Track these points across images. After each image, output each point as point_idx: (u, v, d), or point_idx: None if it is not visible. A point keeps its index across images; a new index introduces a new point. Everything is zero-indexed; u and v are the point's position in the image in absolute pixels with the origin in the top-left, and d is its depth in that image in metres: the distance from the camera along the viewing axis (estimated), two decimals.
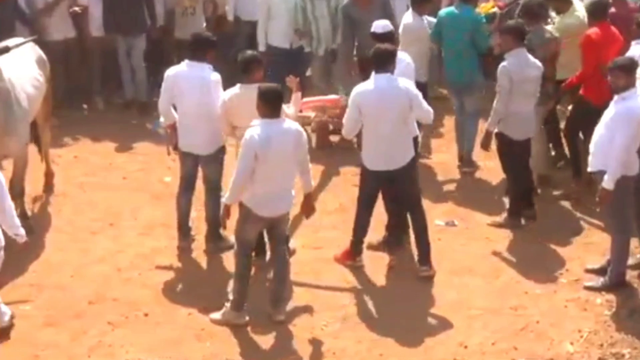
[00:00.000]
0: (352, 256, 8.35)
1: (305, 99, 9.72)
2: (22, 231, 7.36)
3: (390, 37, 8.60)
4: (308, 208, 7.72)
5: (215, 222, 8.57)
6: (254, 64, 8.09)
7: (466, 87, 10.10)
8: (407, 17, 10.24)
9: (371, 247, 8.50)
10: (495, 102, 8.77)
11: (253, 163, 7.21)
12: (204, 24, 11.93)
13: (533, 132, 8.99)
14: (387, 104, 7.84)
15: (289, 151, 7.34)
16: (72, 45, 11.79)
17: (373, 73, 7.93)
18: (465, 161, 10.25)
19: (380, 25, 8.75)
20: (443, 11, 10.25)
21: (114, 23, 11.71)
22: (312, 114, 10.60)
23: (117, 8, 11.64)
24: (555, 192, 9.60)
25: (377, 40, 8.33)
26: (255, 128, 7.24)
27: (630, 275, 8.08)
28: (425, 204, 8.71)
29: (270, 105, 7.32)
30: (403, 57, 8.47)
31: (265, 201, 7.37)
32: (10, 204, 7.27)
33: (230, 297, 7.56)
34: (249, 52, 8.39)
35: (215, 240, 8.61)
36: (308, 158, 7.53)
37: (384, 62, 7.92)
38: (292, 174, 7.48)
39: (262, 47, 11.24)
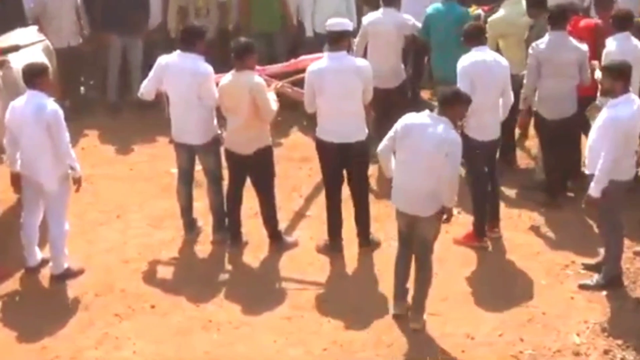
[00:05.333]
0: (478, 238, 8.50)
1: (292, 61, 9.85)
2: (77, 166, 7.78)
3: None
4: (448, 214, 7.35)
5: (219, 212, 8.59)
6: (247, 51, 8.16)
7: (454, 83, 9.99)
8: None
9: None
10: (525, 81, 8.93)
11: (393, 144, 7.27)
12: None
13: (568, 114, 8.97)
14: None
15: (426, 148, 7.06)
16: (75, 53, 11.44)
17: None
18: None
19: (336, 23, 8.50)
20: (430, 8, 10.12)
21: (110, 22, 11.52)
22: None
23: (113, 8, 11.44)
24: None
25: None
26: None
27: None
28: None
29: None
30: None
31: (399, 194, 7.29)
32: (66, 142, 7.74)
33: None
34: (243, 39, 8.45)
35: (220, 230, 8.63)
36: (454, 165, 7.15)
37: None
38: (428, 177, 7.09)
39: (309, 33, 11.46)
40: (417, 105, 11.38)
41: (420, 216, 7.22)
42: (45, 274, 8.09)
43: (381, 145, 7.38)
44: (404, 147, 7.20)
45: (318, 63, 8.25)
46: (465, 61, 8.37)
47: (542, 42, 8.85)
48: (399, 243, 7.52)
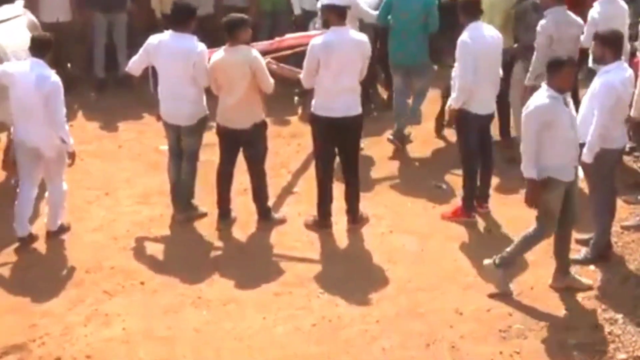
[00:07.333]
0: (466, 213, 8.57)
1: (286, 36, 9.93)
2: (71, 140, 7.91)
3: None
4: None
5: (189, 192, 8.61)
6: (239, 26, 8.15)
7: (417, 69, 9.96)
8: None
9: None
10: (533, 59, 8.95)
11: None
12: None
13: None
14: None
15: None
16: (64, 29, 11.31)
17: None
18: (397, 134, 10.04)
19: None
20: None
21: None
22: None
23: None
24: None
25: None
26: None
27: (631, 238, 8.18)
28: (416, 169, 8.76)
29: None
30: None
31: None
32: (62, 115, 7.90)
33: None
34: (234, 14, 8.43)
35: (186, 210, 8.62)
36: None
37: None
38: None
39: (297, 10, 11.47)
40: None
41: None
42: (35, 252, 8.11)
43: None
44: None
45: (323, 37, 8.22)
46: (466, 38, 8.32)
47: (549, 20, 8.86)
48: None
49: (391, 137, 10.03)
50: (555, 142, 7.13)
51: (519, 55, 9.49)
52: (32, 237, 8.20)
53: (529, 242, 7.43)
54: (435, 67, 10.20)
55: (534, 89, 8.82)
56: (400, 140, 10.03)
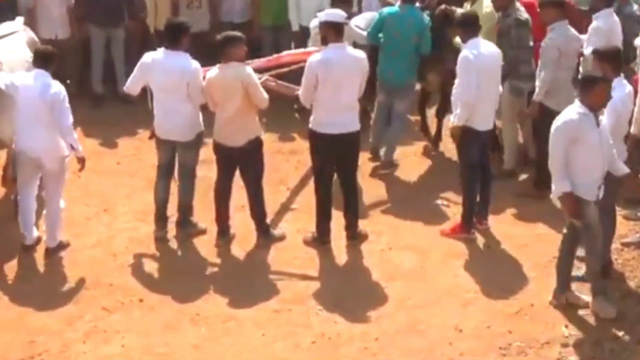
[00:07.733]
0: (465, 229, 8.54)
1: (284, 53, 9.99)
2: (79, 146, 8.11)
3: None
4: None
5: (188, 208, 8.60)
6: (232, 44, 8.16)
7: (401, 89, 9.90)
8: None
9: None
10: (542, 74, 8.90)
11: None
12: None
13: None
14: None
15: None
16: (62, 45, 11.07)
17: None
18: (385, 163, 9.96)
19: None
20: (386, 11, 9.86)
21: (91, 14, 11.58)
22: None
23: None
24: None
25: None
26: None
27: (631, 255, 8.19)
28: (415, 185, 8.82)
29: None
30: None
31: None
32: (69, 122, 7.98)
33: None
34: (229, 32, 8.46)
35: (187, 226, 8.60)
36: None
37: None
38: None
39: (295, 27, 11.45)
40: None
41: None
42: (34, 268, 8.09)
43: None
44: None
45: (321, 53, 8.22)
46: (468, 54, 8.30)
47: (556, 34, 8.87)
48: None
49: (382, 171, 9.91)
50: (581, 160, 7.07)
51: (511, 73, 9.35)
52: (38, 241, 8.33)
53: (592, 259, 7.33)
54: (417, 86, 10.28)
55: (542, 105, 8.87)
56: (392, 166, 9.99)
